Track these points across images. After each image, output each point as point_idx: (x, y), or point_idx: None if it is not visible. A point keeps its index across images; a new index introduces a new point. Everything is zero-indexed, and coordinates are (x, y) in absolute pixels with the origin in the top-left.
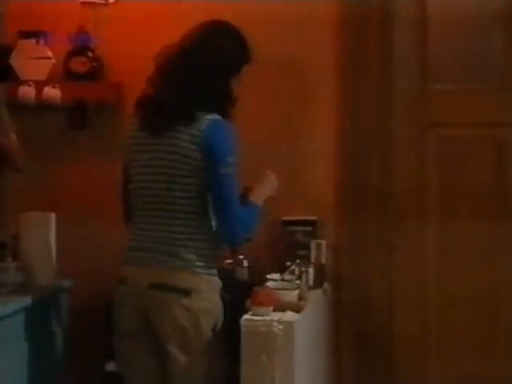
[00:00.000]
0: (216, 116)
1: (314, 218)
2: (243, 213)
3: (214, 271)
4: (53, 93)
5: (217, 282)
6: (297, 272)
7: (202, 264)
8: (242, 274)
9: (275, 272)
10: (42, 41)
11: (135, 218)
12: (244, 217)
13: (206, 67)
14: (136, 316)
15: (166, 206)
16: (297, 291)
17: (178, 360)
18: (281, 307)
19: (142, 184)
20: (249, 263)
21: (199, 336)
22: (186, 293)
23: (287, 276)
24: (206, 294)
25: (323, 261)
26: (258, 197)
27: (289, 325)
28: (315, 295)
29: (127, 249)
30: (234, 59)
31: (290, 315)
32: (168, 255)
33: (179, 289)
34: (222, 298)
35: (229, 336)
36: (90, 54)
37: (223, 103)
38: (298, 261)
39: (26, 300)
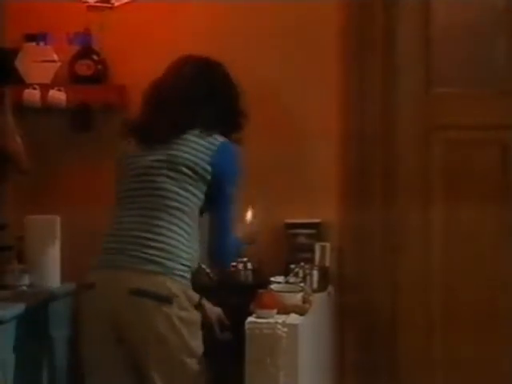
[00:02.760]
0: (225, 139)
1: (317, 220)
2: (235, 240)
3: (190, 283)
4: (58, 96)
5: (194, 294)
6: (301, 274)
7: (181, 273)
8: (246, 276)
9: (279, 274)
10: (47, 44)
11: (117, 218)
12: (234, 245)
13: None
14: (108, 322)
15: (159, 212)
16: (301, 294)
17: (157, 371)
18: (285, 310)
19: (133, 185)
20: (253, 266)
21: (180, 345)
22: (168, 300)
23: (291, 279)
24: (186, 303)
25: (327, 263)
26: None
27: (293, 327)
28: (319, 298)
29: (102, 251)
30: (224, 93)
31: (294, 318)
32: (148, 260)
33: (161, 296)
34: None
35: (234, 339)
36: (94, 57)
37: (230, 129)
38: (302, 263)
39: (31, 302)
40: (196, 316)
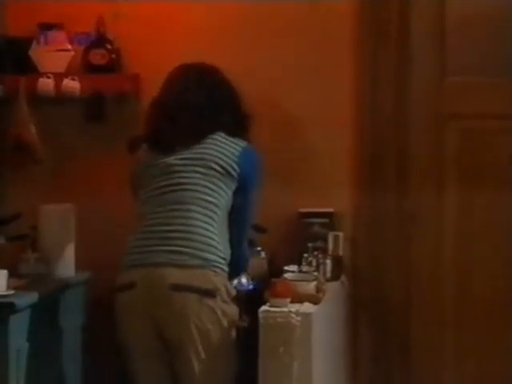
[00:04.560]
0: (247, 143)
1: (331, 209)
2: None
3: (228, 277)
4: (72, 85)
5: (232, 288)
6: (314, 264)
7: (221, 266)
8: (260, 265)
9: (293, 264)
10: (61, 33)
11: (146, 215)
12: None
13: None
14: (147, 324)
15: (191, 205)
16: (314, 283)
17: (199, 363)
18: (298, 299)
19: (161, 182)
20: (266, 255)
21: (221, 338)
22: (211, 294)
23: (305, 268)
24: (226, 297)
25: (340, 253)
26: None
27: (306, 316)
28: (333, 287)
29: (134, 249)
30: (227, 96)
31: (307, 307)
32: (187, 254)
33: (204, 290)
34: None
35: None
36: (108, 47)
37: (239, 132)
38: (316, 252)
39: (45, 291)
40: (234, 310)
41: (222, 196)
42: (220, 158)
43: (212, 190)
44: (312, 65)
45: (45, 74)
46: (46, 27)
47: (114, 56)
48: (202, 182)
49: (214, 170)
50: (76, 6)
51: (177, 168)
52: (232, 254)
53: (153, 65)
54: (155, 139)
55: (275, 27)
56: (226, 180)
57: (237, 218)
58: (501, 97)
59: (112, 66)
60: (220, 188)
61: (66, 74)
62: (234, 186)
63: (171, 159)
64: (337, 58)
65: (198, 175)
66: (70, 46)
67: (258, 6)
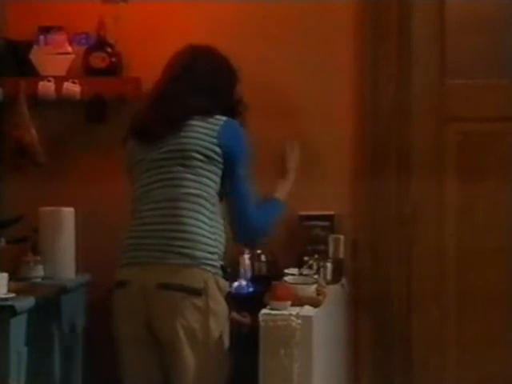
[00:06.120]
0: (228, 118)
1: (331, 212)
2: (259, 214)
3: (220, 272)
4: (72, 88)
5: (224, 284)
6: (315, 267)
7: (211, 262)
8: (260, 268)
9: (293, 267)
10: (61, 36)
11: (138, 213)
12: (260, 218)
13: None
14: (139, 320)
15: (179, 202)
16: (315, 286)
17: (188, 363)
18: (299, 302)
19: (148, 179)
20: (267, 258)
21: (208, 338)
22: (198, 292)
23: (305, 271)
24: (217, 294)
25: (341, 255)
26: (284, 192)
27: (307, 319)
28: (333, 290)
29: (127, 247)
30: (222, 79)
31: (308, 310)
32: (176, 253)
33: (191, 288)
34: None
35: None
36: (109, 50)
37: (230, 113)
38: (316, 255)
39: (45, 294)
40: (225, 309)
41: (209, 185)
42: (199, 145)
43: (198, 182)
44: (312, 66)
45: (45, 77)
46: (47, 30)
47: (114, 59)
48: (186, 176)
49: (196, 159)
50: (77, 8)
51: (160, 163)
52: (238, 226)
53: (153, 68)
54: (139, 132)
55: (276, 27)
56: (209, 167)
57: (232, 193)
58: (501, 98)
59: (112, 70)
60: (206, 177)
61: (66, 77)
62: (220, 170)
63: (154, 154)
64: (337, 60)
65: (181, 168)
66: (70, 49)
67: (259, 7)
